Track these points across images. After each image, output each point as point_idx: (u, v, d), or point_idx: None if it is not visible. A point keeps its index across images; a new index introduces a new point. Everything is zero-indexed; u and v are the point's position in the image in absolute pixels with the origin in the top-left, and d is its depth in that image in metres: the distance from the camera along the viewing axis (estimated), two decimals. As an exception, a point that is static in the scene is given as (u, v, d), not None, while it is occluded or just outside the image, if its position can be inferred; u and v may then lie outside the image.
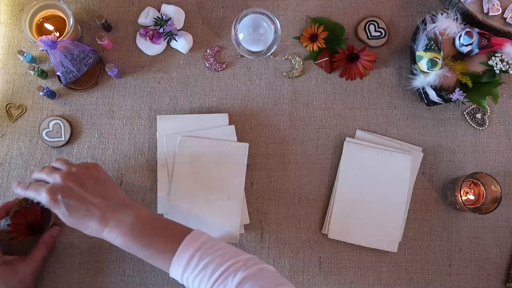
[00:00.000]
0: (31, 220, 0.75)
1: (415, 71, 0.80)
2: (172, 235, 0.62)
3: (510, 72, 0.77)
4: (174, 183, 0.79)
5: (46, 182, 0.65)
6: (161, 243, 0.61)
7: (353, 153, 0.81)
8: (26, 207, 0.75)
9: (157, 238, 0.61)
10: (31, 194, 0.64)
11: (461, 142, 0.84)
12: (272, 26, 0.75)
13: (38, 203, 0.77)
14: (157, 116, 0.82)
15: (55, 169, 0.66)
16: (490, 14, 0.80)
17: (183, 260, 0.59)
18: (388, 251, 0.80)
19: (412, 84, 0.81)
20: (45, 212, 0.76)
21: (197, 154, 0.79)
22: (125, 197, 0.67)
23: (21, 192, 0.65)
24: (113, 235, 0.61)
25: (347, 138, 0.82)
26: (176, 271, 0.59)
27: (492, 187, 0.78)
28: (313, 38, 0.84)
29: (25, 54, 0.80)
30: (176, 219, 0.78)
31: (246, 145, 0.80)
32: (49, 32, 0.80)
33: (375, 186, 0.80)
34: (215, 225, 0.78)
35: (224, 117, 0.82)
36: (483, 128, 0.85)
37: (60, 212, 0.62)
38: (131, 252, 0.62)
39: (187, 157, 0.79)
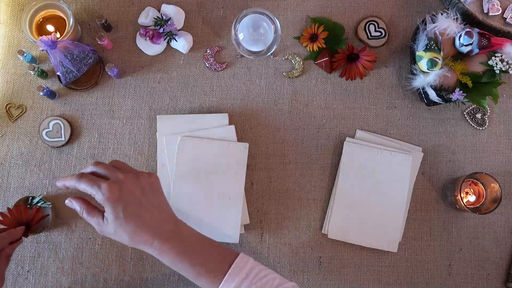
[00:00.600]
0: (24, 219, 0.75)
1: (415, 71, 0.80)
2: (221, 255, 0.61)
3: (510, 72, 0.77)
4: (174, 183, 0.79)
5: (90, 191, 0.59)
6: (212, 263, 0.60)
7: (353, 153, 0.81)
8: (25, 205, 0.75)
9: (208, 258, 0.60)
10: (85, 186, 0.58)
11: (461, 142, 0.84)
12: (272, 26, 0.75)
13: (38, 202, 0.77)
14: (157, 116, 0.82)
15: (116, 169, 0.62)
16: (490, 14, 0.80)
17: (231, 285, 0.58)
18: (388, 251, 0.80)
19: (412, 84, 0.81)
20: (41, 214, 0.75)
21: (197, 154, 0.79)
22: (173, 212, 0.65)
23: (70, 183, 0.60)
24: (162, 249, 0.59)
25: (347, 138, 0.82)
26: None
27: (492, 187, 0.78)
28: (313, 38, 0.84)
29: (25, 54, 0.80)
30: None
31: (246, 145, 0.80)
32: (49, 32, 0.80)
33: (375, 186, 0.80)
34: (215, 225, 0.78)
35: (224, 117, 0.82)
36: (483, 128, 0.85)
37: (112, 212, 0.58)
38: (176, 269, 0.60)
39: (187, 157, 0.79)
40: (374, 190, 0.80)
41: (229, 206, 0.78)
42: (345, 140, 0.82)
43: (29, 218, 0.74)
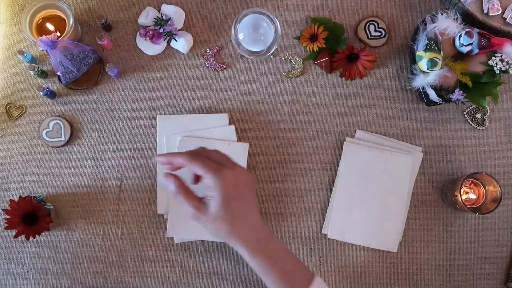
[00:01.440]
0: (31, 209, 0.75)
1: (415, 71, 0.80)
2: (301, 272, 0.62)
3: (510, 72, 0.77)
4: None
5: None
6: (296, 280, 0.60)
7: (353, 153, 0.81)
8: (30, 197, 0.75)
9: (291, 274, 0.60)
10: (200, 167, 0.57)
11: (461, 142, 0.84)
12: (272, 26, 0.75)
13: (42, 201, 0.78)
14: (157, 116, 0.82)
15: (225, 159, 0.61)
16: (490, 14, 0.80)
17: None
18: (388, 251, 0.80)
19: (412, 84, 0.81)
20: (43, 208, 0.76)
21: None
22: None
23: (178, 160, 0.58)
24: (252, 257, 0.59)
25: (347, 138, 0.82)
26: None
27: (492, 187, 0.78)
28: (313, 38, 0.84)
29: (25, 54, 0.80)
30: (176, 220, 0.78)
31: (246, 145, 0.80)
32: (49, 32, 0.80)
33: (375, 186, 0.80)
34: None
35: (224, 117, 0.82)
36: (483, 128, 0.85)
37: (222, 198, 0.57)
38: (261, 276, 0.60)
39: None
40: (374, 190, 0.80)
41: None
42: (345, 140, 0.82)
43: (36, 209, 0.74)
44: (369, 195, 0.80)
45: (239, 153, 0.80)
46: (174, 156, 0.59)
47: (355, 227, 0.79)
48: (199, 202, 0.58)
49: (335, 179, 0.81)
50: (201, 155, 0.60)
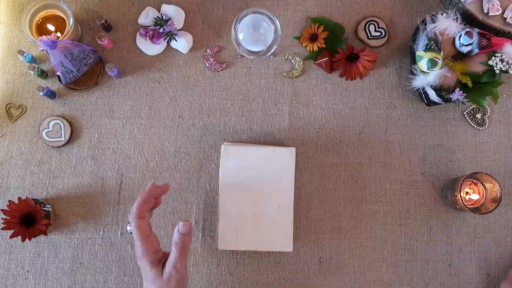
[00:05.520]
0: (29, 210, 0.75)
1: (415, 71, 0.80)
2: None
3: (510, 72, 0.77)
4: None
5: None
6: None
7: (232, 157, 0.76)
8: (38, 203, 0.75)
9: None
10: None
11: (461, 142, 0.84)
12: (272, 26, 0.75)
13: (41, 203, 0.77)
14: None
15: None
16: (490, 14, 0.80)
17: None
18: (389, 251, 0.80)
19: (412, 84, 0.81)
20: (41, 210, 0.76)
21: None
22: None
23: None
24: None
25: (224, 143, 0.79)
26: None
27: (492, 187, 0.78)
28: (313, 38, 0.84)
29: (25, 54, 0.80)
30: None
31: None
32: (49, 32, 0.80)
33: (260, 188, 0.76)
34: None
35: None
36: (483, 128, 0.85)
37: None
38: None
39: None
40: (259, 192, 0.76)
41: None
42: (222, 145, 0.78)
43: (35, 210, 0.75)
44: (255, 198, 0.76)
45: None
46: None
47: (247, 233, 0.76)
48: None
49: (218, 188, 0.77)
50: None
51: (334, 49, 0.84)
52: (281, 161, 0.77)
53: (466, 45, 0.77)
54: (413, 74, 0.80)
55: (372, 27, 0.86)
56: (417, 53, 0.79)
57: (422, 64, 0.77)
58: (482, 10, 0.81)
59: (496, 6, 0.80)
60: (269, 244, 0.76)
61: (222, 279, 0.80)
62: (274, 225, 0.76)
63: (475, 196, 0.80)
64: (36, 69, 0.80)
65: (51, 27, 0.82)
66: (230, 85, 0.85)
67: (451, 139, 0.84)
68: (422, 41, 0.78)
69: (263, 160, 0.77)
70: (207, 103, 0.84)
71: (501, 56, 0.77)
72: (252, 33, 0.76)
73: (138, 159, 0.82)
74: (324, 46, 0.84)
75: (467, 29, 0.77)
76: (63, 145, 0.82)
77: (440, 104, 0.79)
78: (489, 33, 0.78)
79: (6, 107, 0.83)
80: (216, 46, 0.86)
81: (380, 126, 0.84)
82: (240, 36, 0.76)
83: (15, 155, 0.82)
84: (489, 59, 0.78)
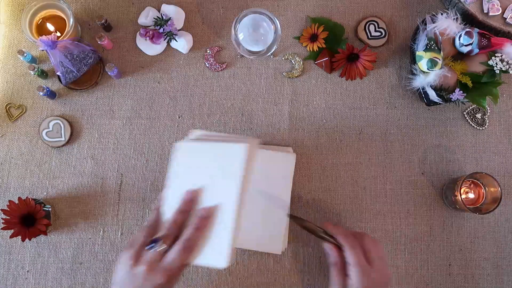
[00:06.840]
0: (29, 210, 0.75)
1: (415, 71, 0.80)
2: None
3: (510, 72, 0.77)
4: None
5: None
6: None
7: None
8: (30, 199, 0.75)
9: None
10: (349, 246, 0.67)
11: (461, 142, 0.84)
12: (272, 26, 0.75)
13: (41, 203, 0.78)
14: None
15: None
16: (490, 14, 0.80)
17: None
18: (389, 251, 0.80)
19: (412, 84, 0.81)
20: (41, 210, 0.76)
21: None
22: None
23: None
24: None
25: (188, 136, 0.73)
26: None
27: (492, 187, 0.78)
28: (313, 38, 0.84)
29: (25, 54, 0.80)
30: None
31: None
32: (49, 32, 0.80)
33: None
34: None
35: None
36: (483, 128, 0.85)
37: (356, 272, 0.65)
38: None
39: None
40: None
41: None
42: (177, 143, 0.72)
43: (35, 210, 0.75)
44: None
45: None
46: (330, 245, 0.68)
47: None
48: (344, 279, 0.66)
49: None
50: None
51: (334, 49, 0.84)
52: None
53: (466, 45, 0.77)
54: (413, 74, 0.80)
55: (372, 27, 0.86)
56: (417, 53, 0.79)
57: (422, 64, 0.77)
58: (482, 10, 0.81)
59: (496, 6, 0.80)
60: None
61: (222, 279, 0.80)
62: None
63: (473, 196, 0.81)
64: (36, 69, 0.80)
65: (51, 27, 0.82)
66: (230, 85, 0.85)
67: (451, 139, 0.84)
68: (422, 41, 0.78)
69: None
70: (207, 103, 0.84)
71: (501, 56, 0.77)
72: (252, 33, 0.76)
73: (138, 159, 0.82)
74: (324, 46, 0.84)
75: (467, 29, 0.77)
76: (63, 145, 0.82)
77: (440, 104, 0.79)
78: (489, 33, 0.78)
79: (6, 107, 0.83)
80: (216, 46, 0.86)
81: (380, 126, 0.84)
82: (240, 36, 0.76)
83: (15, 155, 0.82)
84: (489, 59, 0.78)
